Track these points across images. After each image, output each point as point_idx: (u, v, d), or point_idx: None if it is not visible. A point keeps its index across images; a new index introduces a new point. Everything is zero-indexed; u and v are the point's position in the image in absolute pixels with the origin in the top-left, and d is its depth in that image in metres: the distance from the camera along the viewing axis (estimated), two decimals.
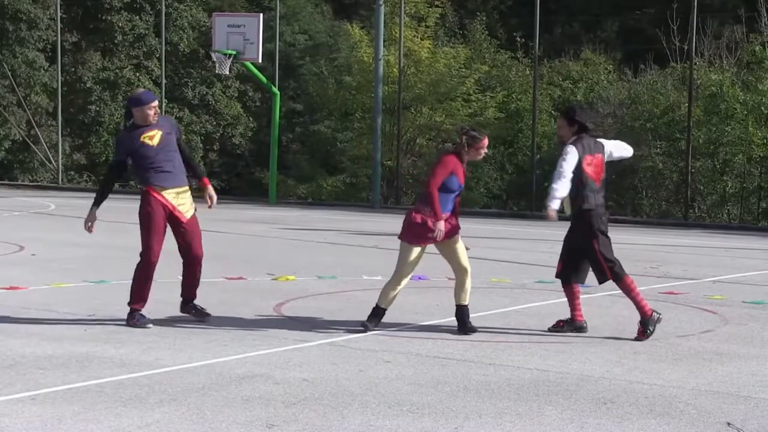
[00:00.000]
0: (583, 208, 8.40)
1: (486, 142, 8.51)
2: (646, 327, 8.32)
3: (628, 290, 8.45)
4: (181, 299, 8.89)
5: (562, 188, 8.32)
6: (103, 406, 5.84)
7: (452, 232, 8.40)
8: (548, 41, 38.45)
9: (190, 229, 8.62)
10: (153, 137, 8.53)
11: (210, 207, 8.71)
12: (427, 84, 31.12)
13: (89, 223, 8.66)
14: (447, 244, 8.43)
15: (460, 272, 8.46)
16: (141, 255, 8.51)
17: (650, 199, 29.48)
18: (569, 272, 8.60)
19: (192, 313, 8.82)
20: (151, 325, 8.36)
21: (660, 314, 8.42)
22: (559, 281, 8.79)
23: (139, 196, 8.58)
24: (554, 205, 8.30)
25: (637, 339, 8.26)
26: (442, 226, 8.21)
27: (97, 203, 8.67)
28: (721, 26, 35.17)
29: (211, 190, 8.74)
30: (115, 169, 8.69)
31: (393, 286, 8.41)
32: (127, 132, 8.66)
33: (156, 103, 8.63)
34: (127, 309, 8.50)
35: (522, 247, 16.43)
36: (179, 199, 8.55)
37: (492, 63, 34.65)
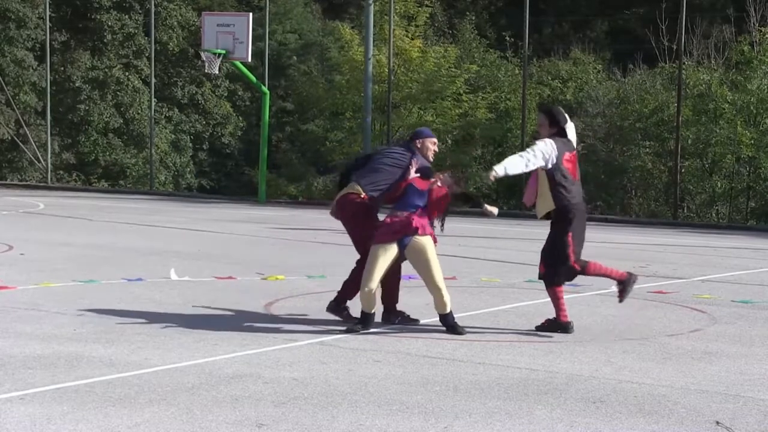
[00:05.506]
0: (572, 202, 8.37)
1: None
2: (555, 327, 8.42)
3: (555, 297, 8.48)
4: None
5: (517, 165, 8.27)
6: (93, 405, 5.83)
7: (410, 232, 8.19)
8: (537, 41, 38.57)
9: None
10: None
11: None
12: (417, 83, 31.14)
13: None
14: (410, 251, 8.28)
15: (427, 286, 8.34)
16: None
17: (639, 198, 29.56)
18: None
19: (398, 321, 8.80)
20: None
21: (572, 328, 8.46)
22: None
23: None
24: (500, 170, 8.21)
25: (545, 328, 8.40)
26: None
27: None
28: (710, 26, 35.30)
29: None
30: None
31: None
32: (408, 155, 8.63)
33: (437, 142, 8.87)
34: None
35: (512, 246, 16.45)
36: None
37: (481, 62, 34.68)
